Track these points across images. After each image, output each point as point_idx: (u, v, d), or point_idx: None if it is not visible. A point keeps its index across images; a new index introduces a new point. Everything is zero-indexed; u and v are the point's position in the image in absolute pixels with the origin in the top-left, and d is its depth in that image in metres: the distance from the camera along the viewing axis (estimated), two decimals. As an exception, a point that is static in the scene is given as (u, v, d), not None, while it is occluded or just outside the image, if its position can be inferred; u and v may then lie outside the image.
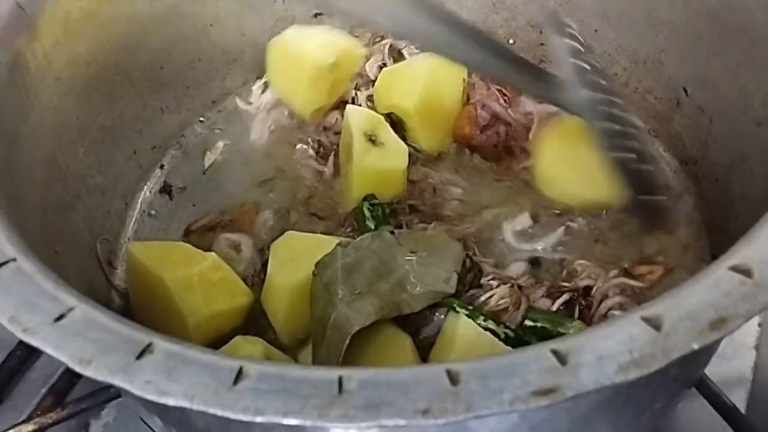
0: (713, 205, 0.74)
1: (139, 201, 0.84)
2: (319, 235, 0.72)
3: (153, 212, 0.84)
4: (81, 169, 0.75)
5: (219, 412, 0.37)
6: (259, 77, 0.94)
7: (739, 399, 0.71)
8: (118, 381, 0.39)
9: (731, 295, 0.39)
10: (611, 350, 0.38)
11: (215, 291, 0.67)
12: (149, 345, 0.40)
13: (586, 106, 0.67)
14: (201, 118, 0.92)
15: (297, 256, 0.67)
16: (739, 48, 0.68)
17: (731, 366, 0.73)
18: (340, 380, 0.38)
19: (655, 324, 0.39)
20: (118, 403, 0.73)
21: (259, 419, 0.37)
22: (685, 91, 0.79)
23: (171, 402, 0.38)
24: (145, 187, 0.85)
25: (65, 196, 0.71)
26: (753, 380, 0.73)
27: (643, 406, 0.54)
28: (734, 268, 0.41)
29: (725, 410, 0.66)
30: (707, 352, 0.60)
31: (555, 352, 0.39)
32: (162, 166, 0.88)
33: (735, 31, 0.69)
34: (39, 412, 0.70)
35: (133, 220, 0.83)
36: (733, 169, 0.72)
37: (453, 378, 0.38)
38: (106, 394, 0.68)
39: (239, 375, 0.39)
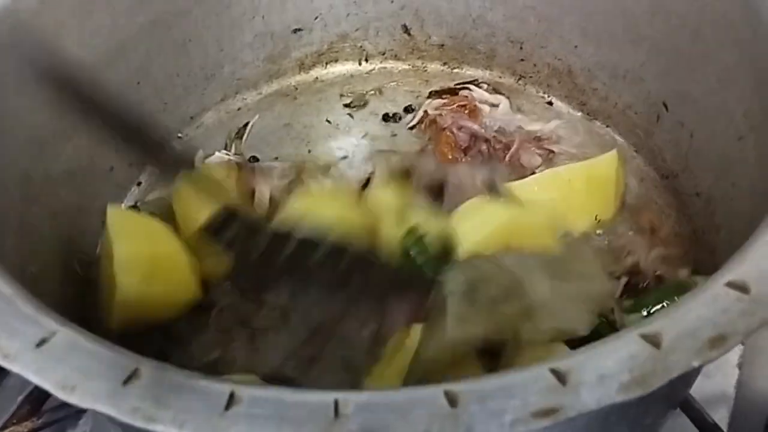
0: (695, 219, 0.74)
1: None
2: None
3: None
4: (56, 187, 0.73)
5: (211, 439, 0.36)
6: (237, 92, 0.94)
7: (721, 417, 0.70)
8: (103, 408, 0.37)
9: (729, 312, 0.39)
10: (611, 369, 0.38)
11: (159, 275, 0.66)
12: (136, 370, 0.39)
13: None
14: (179, 134, 0.90)
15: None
16: (721, 63, 0.69)
17: (714, 384, 0.73)
18: (336, 404, 0.37)
19: (654, 342, 0.38)
20: (95, 413, 0.70)
21: (253, 446, 0.36)
22: (666, 106, 0.79)
23: (160, 429, 0.36)
24: (122, 204, 0.84)
25: (41, 214, 0.69)
26: (735, 398, 0.73)
27: (635, 423, 0.53)
28: (731, 284, 0.41)
29: (707, 428, 0.65)
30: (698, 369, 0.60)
31: (555, 372, 0.38)
32: (139, 183, 0.86)
33: (717, 47, 0.69)
34: (15, 421, 0.67)
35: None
36: (714, 182, 0.72)
37: (451, 400, 0.37)
38: None
39: (231, 400, 0.38)
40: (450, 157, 0.83)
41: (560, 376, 0.38)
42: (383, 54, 0.98)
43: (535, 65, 0.93)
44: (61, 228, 0.73)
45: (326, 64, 0.98)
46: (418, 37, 0.97)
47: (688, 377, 0.58)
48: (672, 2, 0.73)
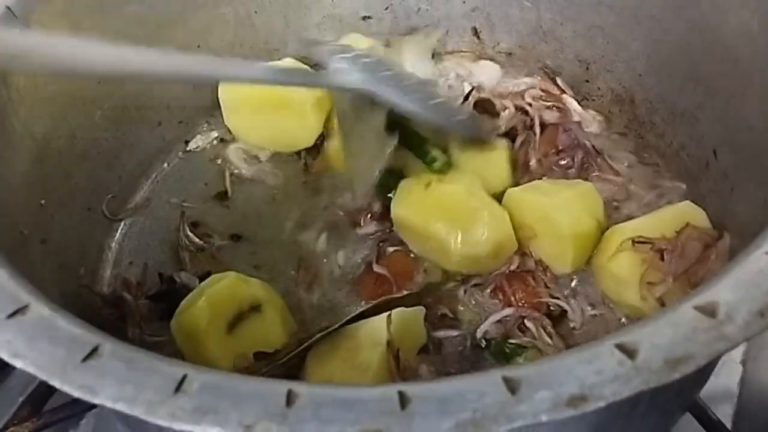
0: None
1: (155, 173, 0.87)
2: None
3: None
4: (94, 131, 0.78)
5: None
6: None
7: (725, 415, 0.70)
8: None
9: (602, 374, 0.36)
10: (456, 407, 0.36)
11: None
12: (24, 307, 0.41)
13: (364, 81, 0.70)
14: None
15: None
16: (764, 115, 0.63)
17: (718, 381, 0.72)
18: (183, 379, 0.38)
19: (511, 386, 0.36)
20: (96, 413, 0.74)
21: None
22: (715, 153, 0.74)
23: (19, 365, 0.39)
24: (166, 159, 0.88)
25: (70, 154, 0.74)
26: (739, 395, 0.73)
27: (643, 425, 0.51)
28: (620, 346, 0.37)
29: (712, 426, 0.65)
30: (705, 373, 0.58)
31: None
32: (186, 142, 0.90)
33: (763, 97, 0.63)
34: (15, 422, 0.69)
35: (145, 189, 0.85)
36: (741, 244, 0.66)
37: (290, 399, 0.37)
38: (84, 404, 0.69)
39: (93, 352, 0.39)
40: (543, 149, 0.81)
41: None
42: (450, 53, 0.97)
43: (599, 88, 0.89)
44: (93, 170, 0.78)
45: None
46: (487, 41, 0.95)
47: (698, 381, 0.57)
48: (729, 43, 0.68)
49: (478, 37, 0.95)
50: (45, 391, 0.71)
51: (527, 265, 0.72)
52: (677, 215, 0.69)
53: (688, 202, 0.72)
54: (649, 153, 0.84)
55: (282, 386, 0.37)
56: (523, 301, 0.70)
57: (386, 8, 0.94)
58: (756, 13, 0.64)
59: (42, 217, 0.68)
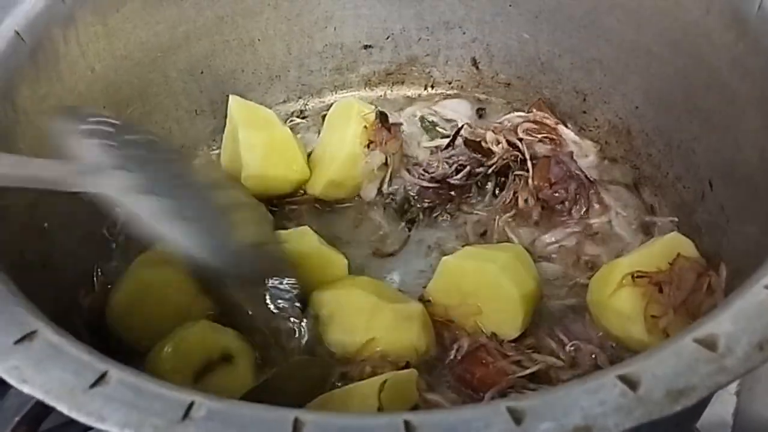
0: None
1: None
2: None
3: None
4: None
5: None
6: (300, 97, 0.97)
7: None
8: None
9: (605, 405, 0.37)
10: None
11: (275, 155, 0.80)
12: (33, 332, 0.42)
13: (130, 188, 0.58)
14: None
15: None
16: (759, 147, 0.64)
17: (713, 412, 0.71)
18: (190, 406, 0.38)
19: (517, 417, 0.37)
20: None
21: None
22: (711, 184, 0.75)
23: (26, 390, 0.39)
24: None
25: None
26: (733, 426, 0.73)
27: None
28: (622, 378, 0.38)
29: None
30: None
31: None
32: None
33: (759, 130, 0.65)
34: None
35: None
36: (737, 275, 0.67)
37: (297, 427, 0.37)
38: (81, 425, 0.68)
39: (101, 379, 0.39)
40: (535, 183, 0.81)
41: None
42: (449, 83, 0.98)
43: (596, 119, 0.90)
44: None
45: (392, 84, 0.99)
46: (486, 72, 0.96)
47: (694, 413, 0.57)
48: (726, 77, 0.69)
49: (477, 68, 0.96)
50: (41, 411, 0.68)
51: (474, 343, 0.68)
52: (667, 247, 0.69)
53: (675, 233, 0.73)
54: (644, 183, 0.85)
55: (288, 414, 0.38)
56: (490, 383, 0.65)
57: (387, 37, 0.95)
58: (751, 50, 0.65)
59: (44, 240, 0.68)
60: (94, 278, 0.76)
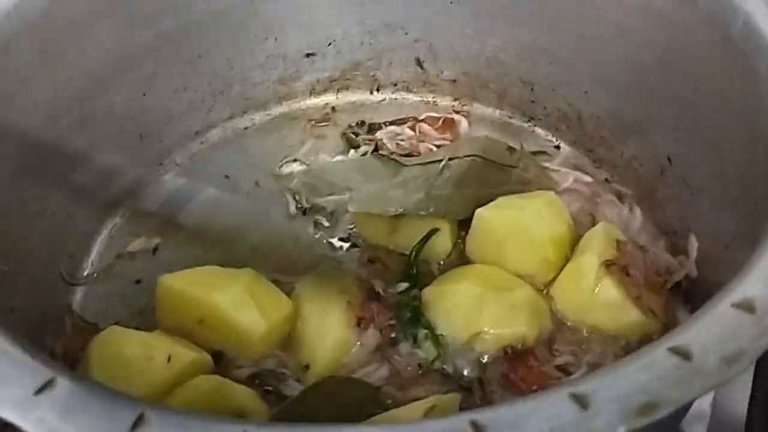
0: (689, 279, 0.72)
1: (109, 226, 0.83)
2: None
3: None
4: (46, 190, 0.73)
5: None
6: (245, 112, 0.94)
7: None
8: (8, 415, 0.37)
9: (665, 379, 0.37)
10: (532, 427, 0.36)
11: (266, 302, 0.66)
12: (51, 380, 0.39)
13: None
14: (182, 148, 0.91)
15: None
16: (721, 122, 0.67)
17: None
18: (244, 435, 0.36)
19: (582, 402, 0.37)
20: None
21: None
22: (669, 160, 0.77)
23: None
24: (116, 212, 0.84)
25: (25, 216, 0.70)
26: (711, 417, 0.73)
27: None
28: (673, 350, 0.39)
29: None
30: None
31: (474, 424, 0.36)
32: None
33: (719, 104, 0.67)
34: None
35: (99, 246, 0.81)
36: (708, 243, 0.70)
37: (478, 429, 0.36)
38: None
39: (139, 421, 0.37)
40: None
41: (478, 429, 0.36)
42: (395, 85, 0.98)
43: (545, 108, 0.91)
44: (49, 231, 0.74)
45: (338, 90, 0.98)
46: (431, 71, 0.96)
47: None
48: (677, 57, 0.72)
49: (422, 67, 0.96)
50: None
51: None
52: (606, 236, 0.71)
53: (602, 222, 0.75)
54: (600, 166, 0.87)
55: (349, 429, 0.36)
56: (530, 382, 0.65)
57: (329, 44, 0.94)
58: (705, 26, 0.67)
59: (7, 284, 0.64)
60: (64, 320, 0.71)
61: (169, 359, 0.61)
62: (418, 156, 0.83)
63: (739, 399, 0.72)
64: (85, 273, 0.79)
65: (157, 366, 0.60)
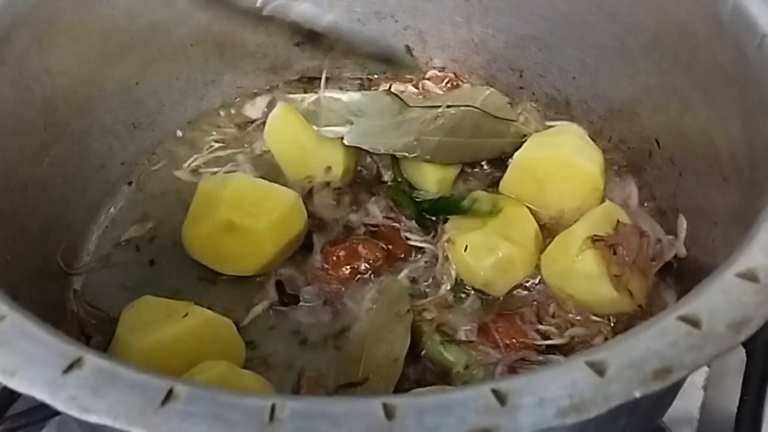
0: (678, 259, 0.73)
1: (103, 215, 0.83)
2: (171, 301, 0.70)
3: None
4: (44, 180, 0.74)
5: (142, 433, 0.36)
6: (239, 98, 0.95)
7: None
8: (40, 395, 0.37)
9: (677, 345, 0.39)
10: (552, 393, 0.37)
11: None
12: (79, 359, 0.39)
13: None
14: (174, 137, 0.91)
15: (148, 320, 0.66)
16: (711, 103, 0.68)
17: (679, 405, 0.70)
18: (273, 408, 0.37)
19: (598, 369, 0.38)
20: (58, 420, 0.70)
21: (182, 443, 0.35)
22: (658, 142, 0.79)
23: (93, 419, 0.36)
24: (111, 202, 0.84)
25: (24, 205, 0.70)
26: (700, 420, 0.74)
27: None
28: (683, 318, 0.40)
29: None
30: (670, 395, 0.60)
31: (495, 392, 0.38)
32: (130, 183, 0.86)
33: (708, 85, 0.69)
34: None
35: (95, 234, 0.81)
36: (698, 221, 0.72)
37: (389, 412, 0.37)
38: (46, 410, 0.65)
39: (168, 396, 0.37)
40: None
41: (500, 397, 0.37)
42: (384, 73, 0.99)
43: (533, 94, 0.93)
44: (46, 220, 0.74)
45: (328, 79, 0.98)
46: (421, 58, 0.97)
47: (665, 401, 0.59)
48: (666, 40, 0.73)
49: (412, 55, 0.97)
50: (7, 396, 0.67)
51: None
52: (606, 215, 0.73)
53: (608, 202, 0.77)
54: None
55: (375, 402, 0.37)
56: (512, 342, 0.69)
57: (319, 32, 0.95)
58: (693, 9, 0.69)
59: (9, 273, 0.64)
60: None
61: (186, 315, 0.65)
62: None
63: (729, 402, 0.73)
64: (83, 263, 0.79)
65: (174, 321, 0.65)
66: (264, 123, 0.87)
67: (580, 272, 0.70)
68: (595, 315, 0.72)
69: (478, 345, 0.68)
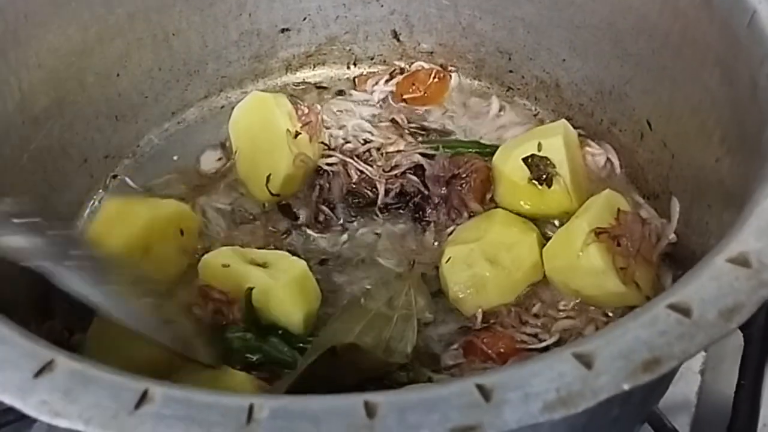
0: (671, 243, 0.72)
1: (87, 210, 0.82)
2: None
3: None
4: (24, 175, 0.72)
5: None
6: (221, 90, 0.93)
7: (682, 425, 0.71)
8: (10, 399, 0.36)
9: (667, 335, 0.38)
10: (538, 387, 0.36)
11: None
12: (50, 362, 0.38)
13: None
14: (158, 129, 0.89)
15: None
16: (702, 84, 0.67)
17: (676, 391, 0.72)
18: (251, 408, 0.36)
19: (586, 361, 0.37)
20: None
21: (156, 447, 0.34)
22: (649, 124, 0.78)
23: (64, 424, 0.35)
24: (95, 196, 0.83)
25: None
26: (697, 405, 0.73)
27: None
28: (673, 307, 0.39)
29: None
30: (664, 382, 0.59)
31: (480, 387, 0.36)
32: (115, 176, 0.85)
33: (698, 67, 0.67)
34: None
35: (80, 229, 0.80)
36: (690, 204, 0.71)
37: (370, 410, 0.36)
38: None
39: (143, 398, 0.36)
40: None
41: (485, 392, 0.36)
42: (372, 59, 0.97)
43: (523, 77, 0.91)
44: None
45: (314, 66, 0.97)
46: (408, 43, 0.95)
47: (659, 389, 0.58)
48: (656, 21, 0.72)
49: (398, 40, 0.95)
50: None
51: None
52: (607, 203, 0.71)
53: (608, 190, 0.74)
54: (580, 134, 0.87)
55: (356, 399, 0.36)
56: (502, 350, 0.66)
57: (304, 18, 0.93)
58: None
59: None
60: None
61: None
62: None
63: (726, 387, 0.72)
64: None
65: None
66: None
67: (586, 267, 0.68)
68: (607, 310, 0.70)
69: (470, 364, 0.66)
